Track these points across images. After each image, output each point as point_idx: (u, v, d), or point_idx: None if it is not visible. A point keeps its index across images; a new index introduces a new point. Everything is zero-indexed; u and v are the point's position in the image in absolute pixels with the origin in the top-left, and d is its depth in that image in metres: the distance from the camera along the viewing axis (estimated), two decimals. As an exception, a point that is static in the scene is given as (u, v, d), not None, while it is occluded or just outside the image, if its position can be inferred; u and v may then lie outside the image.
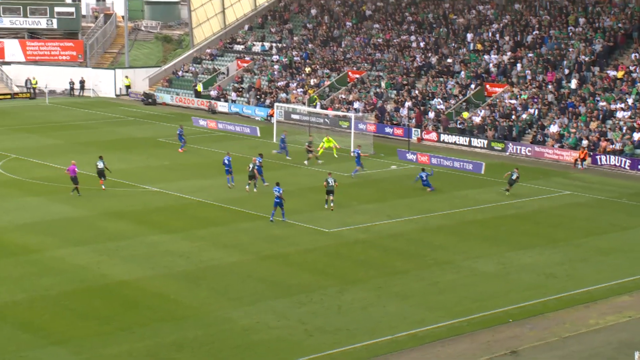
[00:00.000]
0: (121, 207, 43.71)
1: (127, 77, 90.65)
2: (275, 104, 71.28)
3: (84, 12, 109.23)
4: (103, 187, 47.30)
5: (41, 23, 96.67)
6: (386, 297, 31.33)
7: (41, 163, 54.18)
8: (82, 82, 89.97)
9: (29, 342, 26.80)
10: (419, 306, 30.54)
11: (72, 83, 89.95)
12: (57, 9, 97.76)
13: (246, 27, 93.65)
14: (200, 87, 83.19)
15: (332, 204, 43.74)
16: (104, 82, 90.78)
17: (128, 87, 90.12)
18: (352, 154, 54.08)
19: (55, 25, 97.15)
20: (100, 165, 47.48)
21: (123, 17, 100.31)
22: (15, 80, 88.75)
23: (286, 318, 29.08)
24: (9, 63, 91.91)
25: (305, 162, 55.35)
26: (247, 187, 47.36)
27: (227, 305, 30.28)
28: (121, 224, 40.58)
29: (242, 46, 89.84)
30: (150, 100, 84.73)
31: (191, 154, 58.37)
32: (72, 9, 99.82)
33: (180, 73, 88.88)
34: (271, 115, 71.73)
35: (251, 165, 47.08)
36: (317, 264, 35.28)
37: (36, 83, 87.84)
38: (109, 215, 42.12)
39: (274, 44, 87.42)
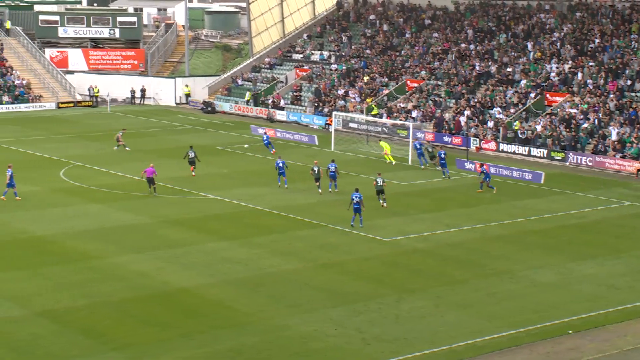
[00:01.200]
0: (180, 215, 44.14)
1: (187, 85, 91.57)
2: (334, 113, 71.41)
3: (145, 22, 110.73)
4: (193, 173, 52.84)
5: (104, 33, 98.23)
6: (444, 307, 31.16)
7: (103, 170, 54.92)
8: (143, 91, 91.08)
9: (90, 348, 27.18)
10: (477, 316, 30.31)
11: (133, 91, 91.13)
12: (119, 19, 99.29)
13: (305, 36, 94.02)
14: (248, 97, 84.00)
15: (384, 203, 45.34)
16: (164, 91, 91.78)
17: (188, 95, 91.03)
18: (440, 155, 55.01)
19: (117, 35, 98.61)
20: (192, 154, 53.23)
21: (184, 26, 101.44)
22: (78, 89, 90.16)
23: (343, 326, 29.08)
24: (72, 72, 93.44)
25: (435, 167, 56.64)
26: (319, 190, 48.64)
27: (284, 312, 30.39)
28: (180, 231, 40.98)
29: (301, 55, 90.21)
30: (209, 108, 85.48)
31: (249, 161, 58.68)
32: (134, 19, 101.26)
33: (239, 82, 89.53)
34: (329, 124, 71.90)
35: (316, 169, 48.49)
36: (374, 272, 35.23)
37: (98, 91, 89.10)
38: (168, 222, 42.57)
39: (332, 53, 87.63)
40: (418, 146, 57.55)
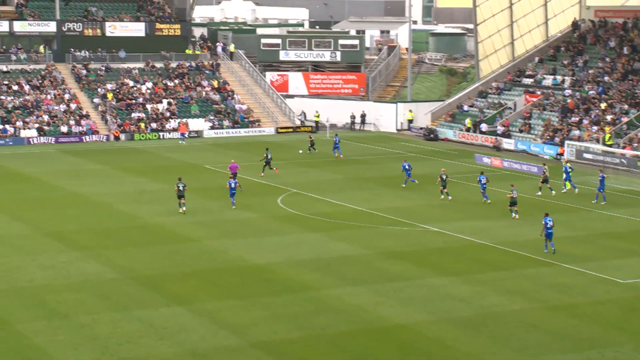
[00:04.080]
0: (399, 247, 44.38)
1: (410, 111, 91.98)
2: (566, 142, 69.71)
3: (367, 45, 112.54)
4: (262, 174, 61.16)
5: (325, 56, 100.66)
6: (690, 360, 29.61)
7: (320, 198, 56.09)
8: (363, 116, 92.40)
9: (304, 381, 27.77)
10: None
11: (353, 117, 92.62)
12: (341, 42, 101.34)
13: (536, 59, 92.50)
14: (469, 123, 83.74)
15: (516, 215, 50.00)
16: (385, 116, 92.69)
17: (410, 121, 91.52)
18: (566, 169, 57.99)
19: (338, 58, 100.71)
20: (269, 155, 61.94)
21: (407, 49, 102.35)
22: (297, 114, 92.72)
23: (574, 375, 28.24)
24: (292, 96, 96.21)
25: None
26: (442, 196, 55.03)
27: (509, 355, 29.86)
28: (399, 264, 41.18)
29: (532, 79, 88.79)
30: (431, 135, 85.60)
31: (472, 192, 57.82)
32: (356, 42, 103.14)
33: (464, 107, 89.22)
34: (561, 154, 70.24)
35: (444, 176, 54.83)
36: (610, 317, 34.01)
37: (318, 116, 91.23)
38: (386, 254, 42.89)
39: (566, 77, 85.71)
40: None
